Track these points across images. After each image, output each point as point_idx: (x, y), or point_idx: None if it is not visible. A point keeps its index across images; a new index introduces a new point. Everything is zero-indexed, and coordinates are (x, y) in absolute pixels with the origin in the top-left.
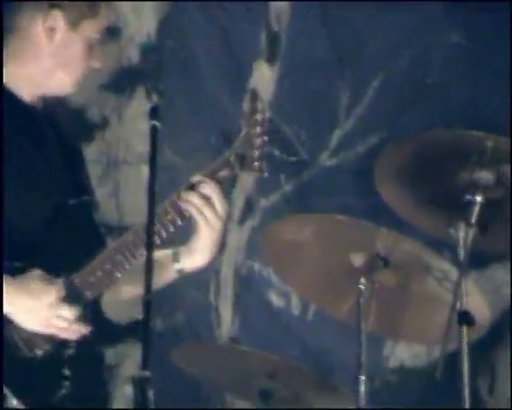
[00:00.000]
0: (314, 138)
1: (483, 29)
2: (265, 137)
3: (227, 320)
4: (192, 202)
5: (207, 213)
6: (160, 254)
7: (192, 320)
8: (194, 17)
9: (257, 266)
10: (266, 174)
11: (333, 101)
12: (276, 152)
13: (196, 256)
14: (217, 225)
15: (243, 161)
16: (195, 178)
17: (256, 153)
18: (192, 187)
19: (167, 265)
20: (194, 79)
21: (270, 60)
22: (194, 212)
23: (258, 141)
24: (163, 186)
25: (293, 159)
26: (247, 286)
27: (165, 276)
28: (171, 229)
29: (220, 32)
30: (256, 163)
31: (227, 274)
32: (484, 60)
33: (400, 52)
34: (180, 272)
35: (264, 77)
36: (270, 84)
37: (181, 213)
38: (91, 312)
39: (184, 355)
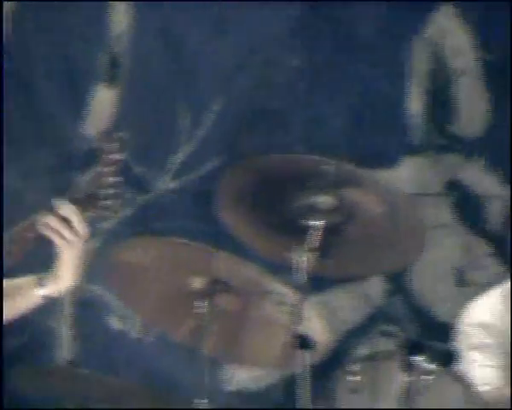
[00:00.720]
0: (156, 161)
1: (323, 53)
2: (117, 178)
3: (66, 344)
4: (51, 225)
5: (68, 235)
6: (22, 280)
7: (31, 343)
8: (35, 38)
9: (97, 288)
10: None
11: (174, 123)
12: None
13: (61, 280)
14: (78, 246)
15: (91, 200)
16: (55, 202)
17: (105, 192)
18: (51, 210)
19: (30, 290)
20: (36, 101)
21: (110, 82)
22: (53, 235)
23: (107, 181)
24: (8, 208)
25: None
26: (87, 309)
27: (27, 301)
28: (24, 251)
29: (61, 53)
30: (103, 202)
31: (66, 297)
32: (323, 83)
33: (240, 75)
34: (46, 297)
35: (104, 99)
36: (109, 107)
37: (37, 237)
38: None
39: (23, 379)
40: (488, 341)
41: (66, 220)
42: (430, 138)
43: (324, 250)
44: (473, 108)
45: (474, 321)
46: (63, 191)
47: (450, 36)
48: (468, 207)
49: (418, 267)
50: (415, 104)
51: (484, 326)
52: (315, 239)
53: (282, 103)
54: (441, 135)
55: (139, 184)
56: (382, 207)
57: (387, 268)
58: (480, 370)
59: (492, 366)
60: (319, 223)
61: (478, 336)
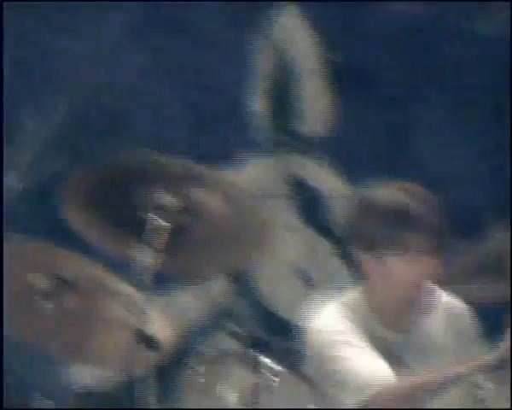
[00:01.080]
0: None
1: (169, 52)
2: None
3: None
4: None
5: None
6: None
7: None
8: None
9: None
10: None
11: (19, 124)
12: None
13: None
14: None
15: None
16: None
17: None
18: None
19: None
20: None
21: None
22: None
23: None
24: None
25: None
26: None
27: None
28: None
29: None
30: None
31: None
32: (168, 83)
33: (86, 78)
34: None
35: None
36: None
37: None
38: None
39: None
40: (334, 342)
41: None
42: (275, 138)
43: (169, 249)
44: (317, 108)
45: (322, 322)
46: None
47: (295, 35)
48: (312, 207)
49: (263, 267)
50: (259, 103)
51: (331, 328)
52: (160, 238)
53: (127, 103)
54: (285, 134)
55: None
56: (227, 207)
57: (232, 268)
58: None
59: (340, 368)
60: (164, 222)
61: (325, 338)
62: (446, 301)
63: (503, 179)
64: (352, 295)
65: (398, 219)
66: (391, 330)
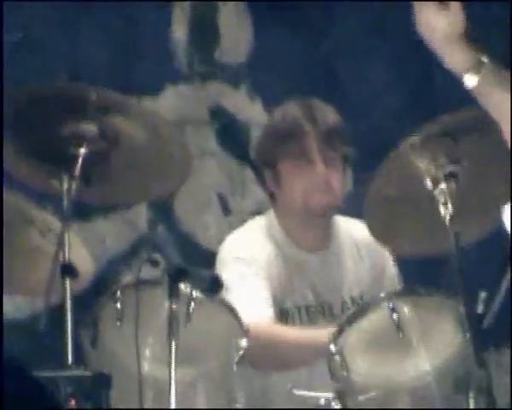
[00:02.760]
0: None
1: None
2: None
3: None
4: None
5: None
6: None
7: None
8: None
9: None
10: None
11: None
12: None
13: None
14: None
15: None
16: None
17: None
18: None
19: None
20: None
21: None
22: None
23: None
24: None
25: None
26: None
27: None
28: None
29: None
30: None
31: None
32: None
33: None
34: None
35: None
36: None
37: None
38: None
39: None
40: (250, 271)
41: None
42: (194, 66)
43: (89, 178)
44: (236, 36)
45: (237, 250)
46: None
47: None
48: (232, 134)
49: (182, 195)
50: (179, 31)
51: (246, 256)
52: (79, 167)
53: (45, 31)
54: (205, 62)
55: None
56: (147, 135)
57: (152, 196)
58: (245, 299)
59: (254, 297)
60: (83, 150)
61: (240, 267)
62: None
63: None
64: (268, 218)
65: (293, 134)
66: (304, 250)
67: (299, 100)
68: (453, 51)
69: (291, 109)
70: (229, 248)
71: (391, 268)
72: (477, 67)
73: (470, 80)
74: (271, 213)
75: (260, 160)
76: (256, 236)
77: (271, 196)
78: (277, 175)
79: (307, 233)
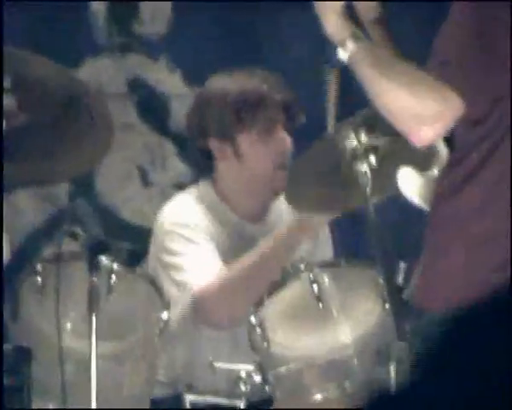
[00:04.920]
0: None
1: None
2: None
3: None
4: None
5: None
6: None
7: None
8: None
9: None
10: None
11: None
12: None
13: None
14: None
15: None
16: None
17: None
18: None
19: None
20: None
21: None
22: None
23: None
24: None
25: None
26: None
27: None
28: None
29: None
30: None
31: None
32: None
33: None
34: None
35: None
36: None
37: None
38: None
39: None
40: (196, 235)
41: None
42: (113, 38)
43: (8, 153)
44: (155, 7)
45: (178, 217)
46: None
47: None
48: (151, 106)
49: (103, 168)
50: (97, 3)
51: (189, 222)
52: None
53: None
54: (124, 34)
55: None
56: (68, 106)
57: (73, 170)
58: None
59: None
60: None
61: (185, 231)
62: None
63: None
64: (202, 189)
65: (245, 103)
66: (243, 219)
67: (248, 71)
68: (333, 21)
69: (247, 80)
70: (169, 217)
71: (324, 234)
72: (352, 41)
73: (343, 52)
74: (205, 184)
75: (197, 131)
76: (193, 204)
77: (208, 166)
78: (237, 147)
79: (249, 203)
